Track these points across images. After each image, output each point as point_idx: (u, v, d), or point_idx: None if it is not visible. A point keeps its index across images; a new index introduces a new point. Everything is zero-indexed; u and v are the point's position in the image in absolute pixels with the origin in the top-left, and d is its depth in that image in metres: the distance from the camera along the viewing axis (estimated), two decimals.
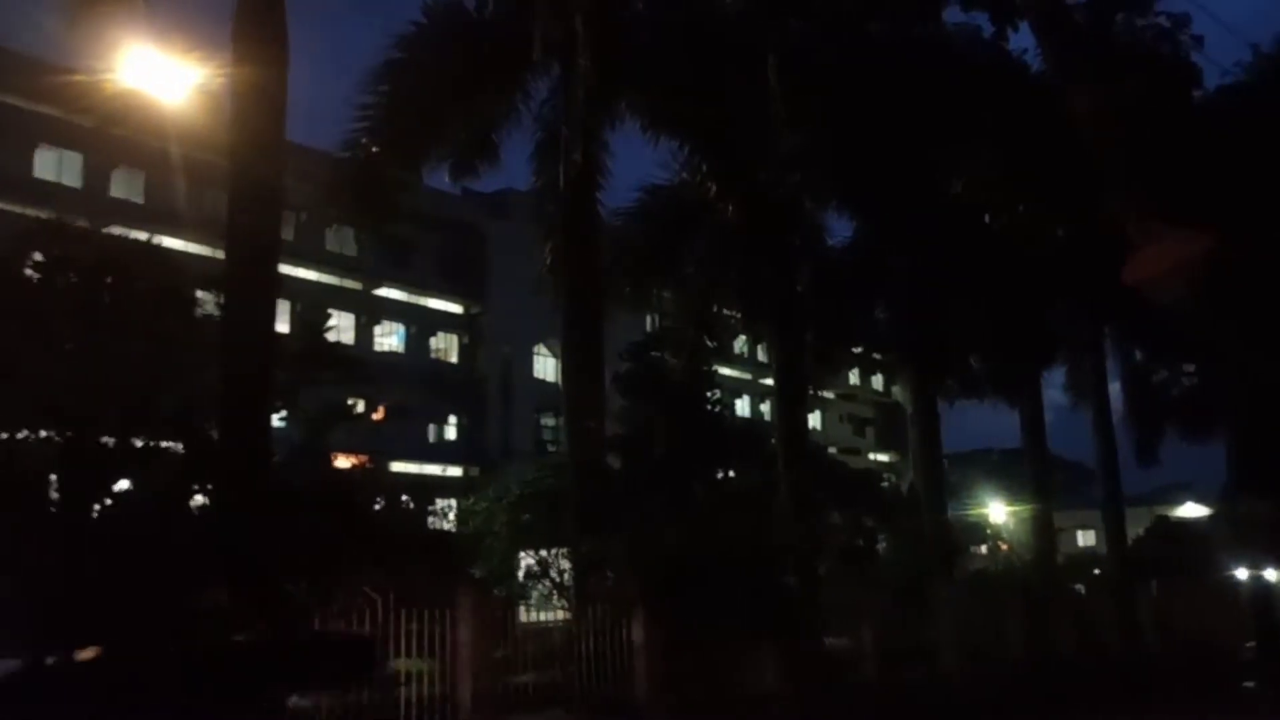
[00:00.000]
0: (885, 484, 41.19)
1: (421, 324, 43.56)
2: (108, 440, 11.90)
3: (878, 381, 58.16)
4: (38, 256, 12.49)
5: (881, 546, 29.72)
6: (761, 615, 13.05)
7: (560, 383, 16.91)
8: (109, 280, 12.45)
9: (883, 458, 60.39)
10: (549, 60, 15.69)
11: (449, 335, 44.75)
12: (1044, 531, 25.34)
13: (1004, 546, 43.24)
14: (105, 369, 11.69)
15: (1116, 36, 15.35)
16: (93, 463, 11.63)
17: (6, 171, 32.82)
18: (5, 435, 11.49)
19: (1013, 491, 41.35)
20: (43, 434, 11.57)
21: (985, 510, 46.39)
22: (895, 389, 50.35)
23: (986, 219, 16.52)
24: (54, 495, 11.43)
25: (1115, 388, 29.35)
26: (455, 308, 44.63)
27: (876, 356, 29.87)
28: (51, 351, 11.77)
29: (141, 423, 11.92)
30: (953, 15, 17.09)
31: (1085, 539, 49.68)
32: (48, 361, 11.55)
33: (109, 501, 11.62)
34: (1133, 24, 15.76)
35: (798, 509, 16.73)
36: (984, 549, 43.34)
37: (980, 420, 33.46)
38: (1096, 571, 33.30)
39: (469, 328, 44.61)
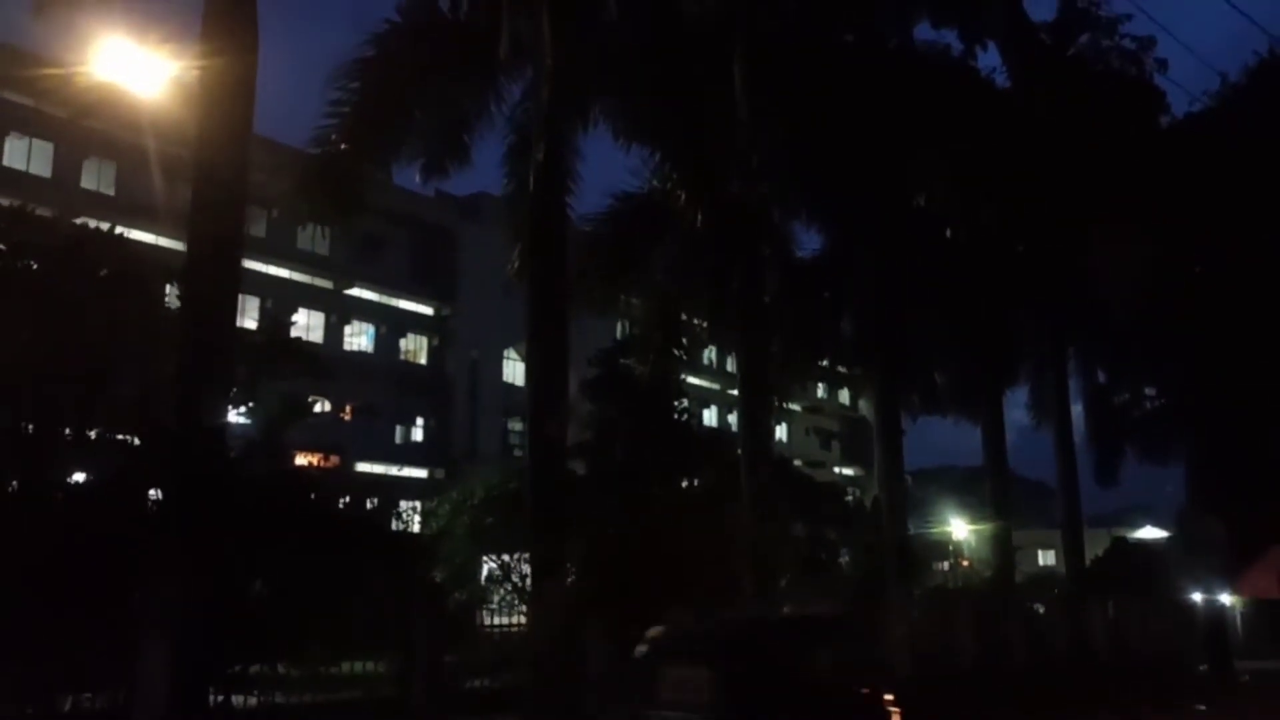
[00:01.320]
0: (849, 498, 41.39)
1: (391, 324, 43.36)
2: (64, 429, 11.81)
3: (845, 395, 58.44)
4: None
5: (844, 560, 29.88)
6: None
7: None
8: (69, 268, 12.35)
9: (848, 471, 60.64)
10: (521, 63, 15.72)
11: (419, 337, 44.56)
12: (1003, 549, 25.53)
13: (965, 563, 43.54)
14: (61, 356, 11.59)
15: (1082, 57, 15.58)
16: (48, 451, 11.53)
17: None
18: None
19: (974, 509, 41.67)
20: None
21: (947, 527, 46.71)
22: (862, 403, 50.63)
23: (949, 232, 16.69)
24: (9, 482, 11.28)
25: (1078, 409, 29.76)
26: (426, 309, 44.47)
27: (843, 370, 30.05)
28: (8, 337, 11.65)
29: (99, 411, 11.82)
30: (923, 33, 17.40)
31: (1045, 558, 50.10)
32: (4, 347, 11.44)
33: (63, 490, 11.51)
34: (1098, 44, 15.99)
35: (759, 516, 16.77)
36: (945, 565, 43.60)
37: (945, 437, 33.78)
38: (1055, 591, 33.61)
39: (439, 330, 44.45)
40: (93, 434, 11.92)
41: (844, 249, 18.47)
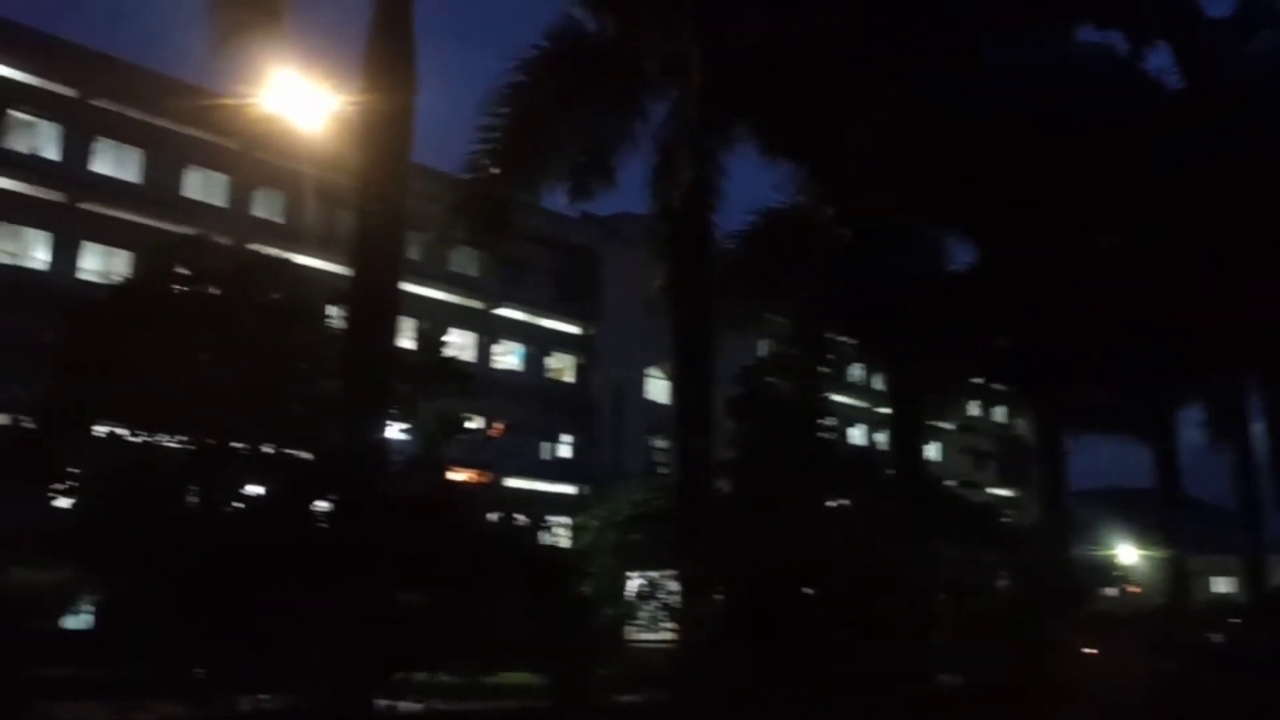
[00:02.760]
0: (1006, 519, 39.91)
1: (538, 343, 44.33)
2: (240, 446, 12.48)
3: (1000, 413, 56.52)
4: (180, 270, 13.19)
5: (1002, 584, 28.81)
6: (867, 648, 12.80)
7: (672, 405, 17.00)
8: (243, 293, 13.10)
9: (1004, 492, 58.49)
10: (666, 82, 15.85)
11: (565, 355, 45.40)
12: (1176, 575, 24.18)
13: (1133, 589, 41.52)
14: (238, 377, 12.28)
15: (1262, 55, 14.69)
16: (226, 467, 12.21)
17: (160, 190, 34.81)
18: (146, 438, 12.15)
19: (1143, 533, 39.63)
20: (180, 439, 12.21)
21: (1113, 551, 44.55)
22: (1019, 422, 48.85)
23: (1115, 243, 15.92)
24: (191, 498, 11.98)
25: (1259, 427, 27.91)
26: (572, 328, 45.28)
27: (998, 388, 29.04)
28: (189, 360, 12.41)
29: (270, 429, 12.45)
30: (1085, 34, 16.67)
31: (1222, 585, 47.21)
32: (185, 369, 12.18)
33: (239, 504, 12.17)
34: None
35: (911, 541, 16.34)
36: (1112, 591, 41.62)
37: (1112, 457, 32.29)
38: (1235, 620, 31.64)
39: (584, 348, 45.18)
40: (265, 450, 12.54)
41: (999, 262, 17.86)
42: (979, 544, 27.52)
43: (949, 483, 41.68)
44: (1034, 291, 16.59)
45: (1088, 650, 20.13)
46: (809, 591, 12.78)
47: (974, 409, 54.35)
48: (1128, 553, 44.07)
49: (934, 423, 32.43)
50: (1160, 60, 16.04)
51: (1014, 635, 18.88)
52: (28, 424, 11.90)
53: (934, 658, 16.66)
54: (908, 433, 18.36)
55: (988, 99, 13.54)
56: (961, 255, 19.77)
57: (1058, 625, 19.57)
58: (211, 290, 12.94)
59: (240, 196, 36.82)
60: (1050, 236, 15.75)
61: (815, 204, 16.97)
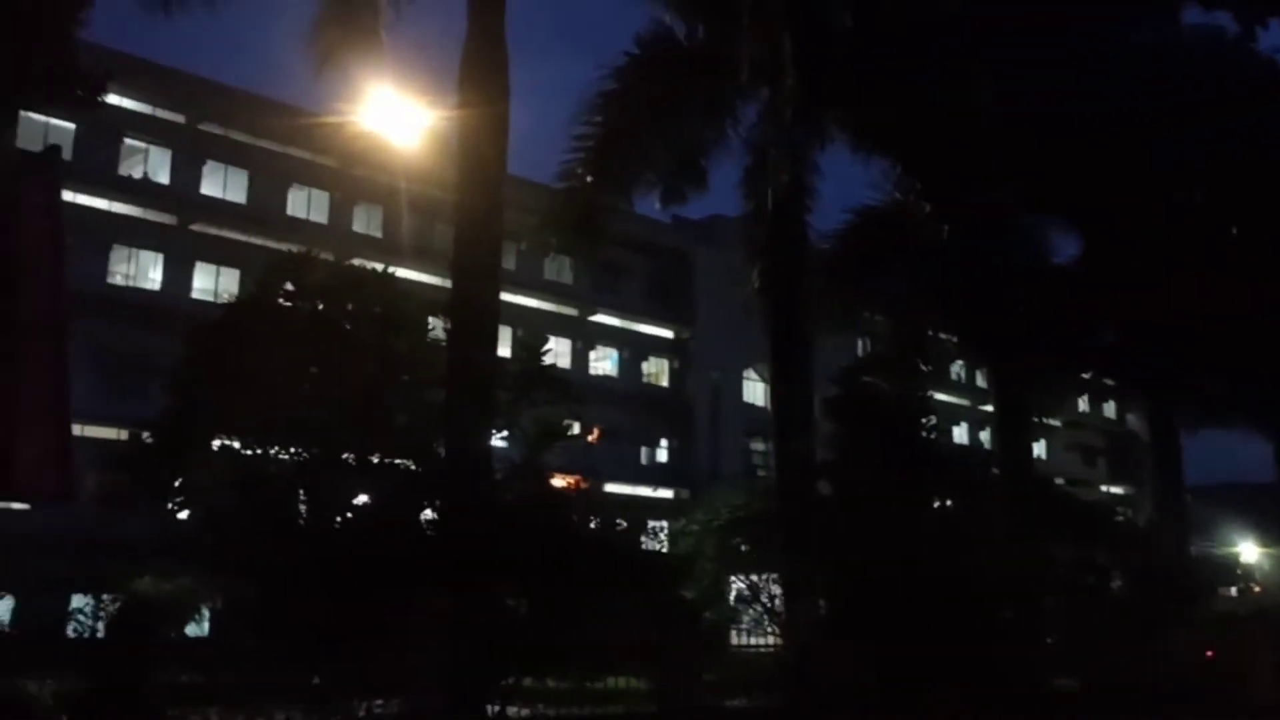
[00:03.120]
0: (1119, 518, 38.67)
1: (634, 349, 44.52)
2: (347, 455, 12.79)
3: (1110, 409, 54.83)
4: (288, 286, 13.59)
5: (1116, 585, 27.91)
6: (978, 651, 12.50)
7: (768, 407, 16.92)
8: (348, 306, 13.43)
9: (1116, 490, 56.67)
10: (757, 84, 15.79)
11: (660, 360, 45.52)
12: None
13: (1257, 588, 39.87)
14: (344, 389, 12.59)
15: None
16: (335, 476, 12.53)
17: (265, 209, 36.02)
18: (257, 450, 12.55)
19: (1265, 529, 38.04)
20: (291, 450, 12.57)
21: (1234, 548, 42.85)
22: (1130, 417, 47.31)
23: (1234, 231, 15.28)
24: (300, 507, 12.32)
25: None
26: (666, 333, 45.36)
27: (1108, 382, 28.13)
28: (297, 373, 12.77)
29: (377, 439, 12.74)
30: (1190, 16, 16.07)
31: None
32: (294, 382, 12.54)
33: (349, 513, 12.47)
34: None
35: (1021, 542, 15.92)
36: (1233, 590, 40.03)
37: (1229, 451, 31.08)
38: None
39: (679, 352, 45.22)
40: (372, 461, 12.82)
41: (1108, 252, 17.30)
42: (1091, 544, 26.70)
43: (1057, 481, 40.65)
44: (1146, 281, 16.03)
45: (1209, 651, 19.39)
46: (916, 594, 12.52)
47: (1082, 404, 52.90)
48: (1249, 550, 42.36)
49: (1040, 419, 31.59)
50: (1273, 39, 15.37)
51: (1131, 637, 18.29)
52: (149, 439, 12.38)
53: (1048, 661, 16.22)
54: (1014, 430, 17.91)
55: (1095, 85, 13.14)
56: (1065, 247, 19.25)
57: (1177, 626, 18.87)
58: (318, 306, 13.28)
59: (340, 212, 37.86)
60: (1163, 224, 15.20)
61: (912, 200, 16.69)
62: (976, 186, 15.80)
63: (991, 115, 13.83)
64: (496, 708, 10.93)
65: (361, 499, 12.50)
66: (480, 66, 12.43)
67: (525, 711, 11.48)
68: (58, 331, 6.21)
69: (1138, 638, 18.28)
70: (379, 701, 10.88)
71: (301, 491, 12.33)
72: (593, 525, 13.72)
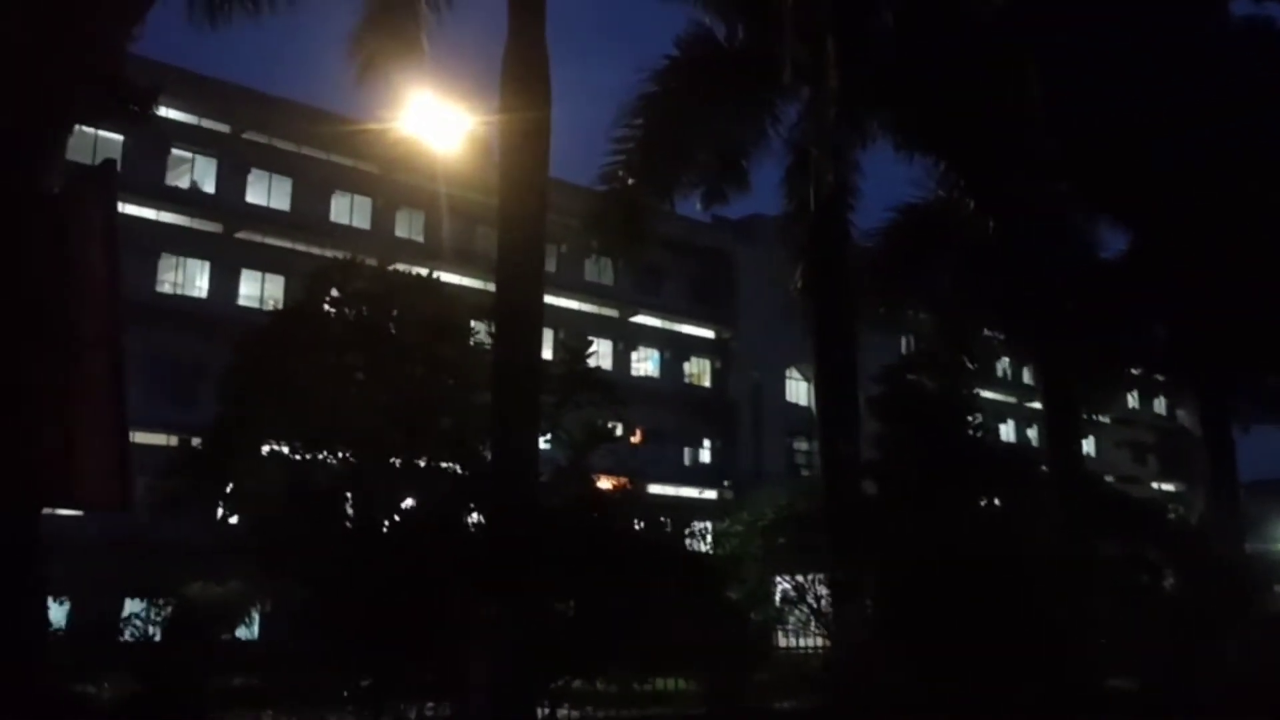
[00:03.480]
0: (1171, 515, 38.04)
1: (675, 349, 44.50)
2: (394, 460, 12.91)
3: (1160, 404, 53.95)
4: (333, 292, 13.74)
5: (1168, 583, 27.45)
6: (1029, 652, 12.35)
7: (812, 406, 16.86)
8: (393, 312, 13.56)
9: (1167, 487, 55.75)
10: (798, 83, 15.73)
11: (701, 360, 45.47)
12: None
13: None
14: (390, 394, 12.71)
15: None
16: (382, 481, 12.65)
17: (309, 216, 36.45)
18: (306, 456, 12.70)
19: None
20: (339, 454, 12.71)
21: None
22: (1180, 413, 46.52)
23: None
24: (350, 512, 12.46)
25: None
26: (707, 333, 45.30)
27: (1158, 378, 27.66)
28: (344, 378, 12.91)
29: (423, 443, 12.84)
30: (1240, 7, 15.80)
31: None
32: (341, 388, 12.68)
33: (396, 517, 12.59)
34: None
35: (1072, 540, 15.71)
36: None
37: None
38: None
39: (720, 352, 45.13)
40: (418, 464, 12.93)
41: (1159, 247, 17.04)
42: (1142, 541, 26.27)
43: (1106, 478, 40.05)
44: (1199, 275, 15.77)
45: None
46: (967, 594, 12.39)
47: (1131, 400, 52.12)
48: None
49: (1090, 416, 31.16)
50: None
51: (1187, 637, 17.97)
52: (199, 445, 12.58)
53: (1100, 661, 15.96)
54: (1063, 428, 17.67)
55: (1147, 77, 12.94)
56: (1113, 242, 19.00)
57: (1232, 625, 18.51)
58: (364, 311, 13.42)
59: (382, 218, 38.22)
60: (1218, 218, 14.94)
61: (956, 196, 16.52)
62: (1024, 182, 15.61)
63: (1042, 110, 13.66)
64: (546, 710, 10.97)
65: (409, 503, 12.61)
66: (521, 71, 12.45)
67: (575, 714, 11.51)
68: (115, 343, 6.28)
69: (1193, 638, 17.96)
70: (429, 704, 10.96)
71: (350, 496, 12.47)
72: (638, 527, 13.76)
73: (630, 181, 15.40)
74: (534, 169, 12.47)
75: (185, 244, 35.18)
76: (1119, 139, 13.83)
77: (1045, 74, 13.61)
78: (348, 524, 12.02)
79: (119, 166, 29.81)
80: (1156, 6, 13.75)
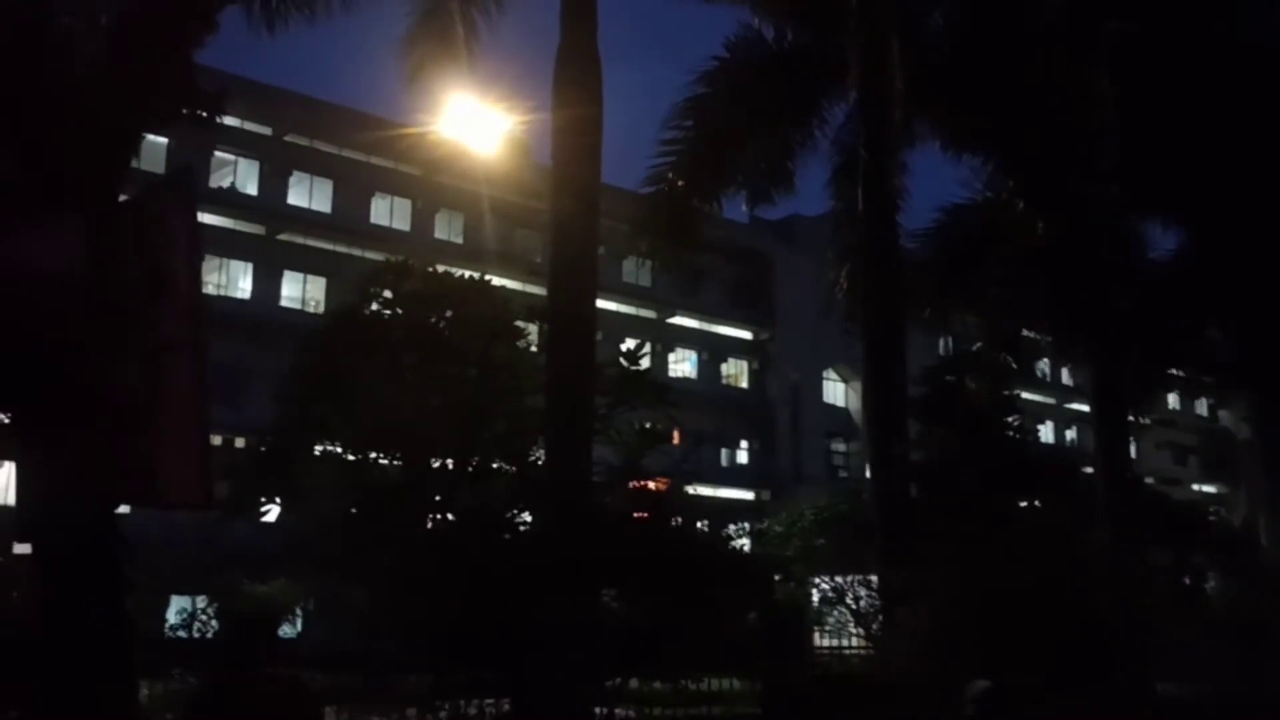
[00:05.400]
0: (1213, 517, 37.64)
1: (713, 350, 44.47)
2: (448, 461, 13.02)
3: (1201, 406, 53.33)
4: (386, 294, 13.87)
5: (1210, 585, 27.16)
6: (1090, 657, 12.28)
7: (849, 408, 16.84)
8: (446, 313, 13.67)
9: (1209, 489, 55.07)
10: (845, 85, 15.73)
11: (739, 361, 45.41)
12: None
13: None
14: (444, 395, 12.82)
15: None
16: (436, 481, 12.77)
17: (349, 218, 36.77)
18: (363, 457, 12.85)
19: None
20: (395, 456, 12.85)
21: None
22: (1223, 414, 45.97)
23: None
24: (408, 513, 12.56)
25: None
26: (745, 334, 45.24)
27: (1206, 380, 27.36)
28: (397, 380, 13.02)
29: (476, 445, 12.95)
30: None
31: None
32: (394, 389, 12.79)
33: (451, 517, 12.70)
34: None
35: (1122, 543, 15.59)
36: None
37: None
38: None
39: (758, 353, 45.05)
40: (473, 466, 13.03)
41: (1208, 248, 16.88)
42: (1187, 545, 26.00)
43: (1148, 480, 39.65)
44: (1254, 277, 15.61)
45: None
46: (1023, 598, 12.34)
47: (1172, 401, 51.56)
48: None
49: (1136, 418, 30.89)
50: None
51: (1236, 642, 17.76)
52: (263, 446, 12.76)
53: (1153, 667, 15.81)
54: (1112, 430, 17.53)
55: (1205, 79, 12.84)
56: (1163, 243, 18.84)
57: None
58: (418, 314, 13.54)
59: (422, 219, 38.47)
60: (1273, 217, 14.78)
61: (1005, 197, 16.45)
62: (1076, 183, 15.51)
63: (1100, 112, 13.57)
64: (603, 709, 11.04)
65: (466, 505, 12.71)
66: (573, 77, 12.52)
67: (631, 713, 11.57)
68: (197, 345, 6.44)
69: (1243, 643, 17.75)
70: (489, 701, 11.07)
71: (407, 498, 12.58)
72: (692, 528, 13.80)
73: (680, 184, 15.45)
74: (586, 175, 12.53)
75: (228, 245, 35.55)
76: (1178, 139, 13.72)
77: (1103, 73, 13.52)
78: (409, 525, 12.14)
79: (163, 169, 30.10)
80: (1214, 7, 13.62)
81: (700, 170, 15.56)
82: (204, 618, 15.32)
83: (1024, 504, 20.77)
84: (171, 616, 17.72)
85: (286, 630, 19.43)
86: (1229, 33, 13.46)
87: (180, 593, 19.11)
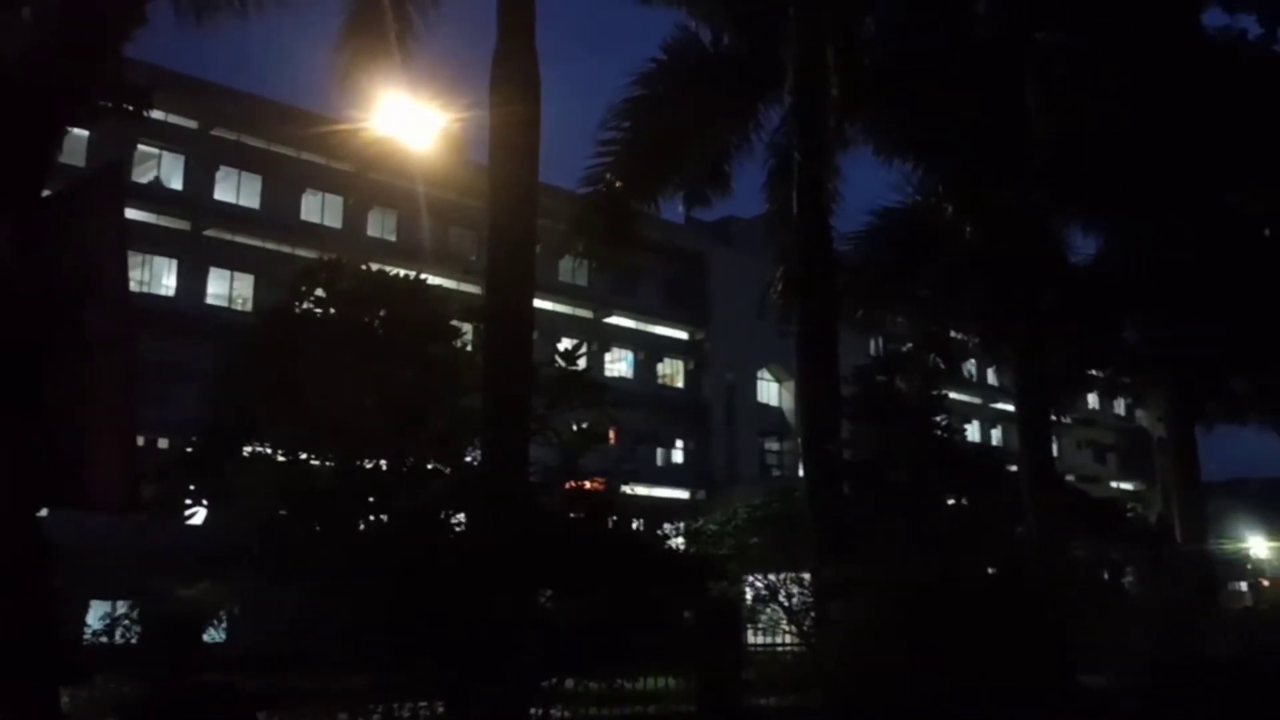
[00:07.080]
0: (1130, 514, 38.92)
1: (649, 350, 44.62)
2: (383, 462, 12.91)
3: (1119, 406, 54.98)
4: (319, 292, 13.69)
5: (1127, 580, 28.04)
6: (1017, 650, 12.59)
7: (783, 407, 17.08)
8: (381, 312, 13.54)
9: (1126, 486, 56.79)
10: (780, 89, 15.93)
11: (675, 361, 45.65)
12: None
13: (1265, 583, 40.11)
14: (378, 395, 12.70)
15: None
16: (370, 482, 12.64)
17: (279, 214, 36.16)
18: (292, 457, 12.68)
19: (1276, 524, 38.21)
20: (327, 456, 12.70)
21: (1244, 544, 43.02)
22: (1139, 414, 47.48)
23: (1268, 233, 15.38)
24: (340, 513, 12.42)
25: None
26: (681, 334, 45.47)
27: (1124, 380, 28.26)
28: (330, 380, 12.87)
29: (411, 445, 12.85)
30: (1213, 19, 16.15)
31: None
32: (327, 389, 12.64)
33: (384, 517, 12.58)
34: None
35: (1045, 538, 16.03)
36: (1243, 586, 40.29)
37: (1240, 448, 31.19)
38: None
39: (694, 353, 45.33)
40: (409, 466, 12.93)
41: (1131, 254, 17.44)
42: (1105, 539, 26.82)
43: (1069, 477, 40.76)
44: (1168, 278, 16.16)
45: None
46: (953, 592, 12.62)
47: (1092, 401, 53.08)
48: (1258, 545, 42.57)
49: (1057, 417, 31.75)
50: None
51: (1153, 632, 18.34)
52: (190, 447, 12.52)
53: (1075, 658, 16.27)
54: (1036, 429, 17.99)
55: (1126, 86, 13.25)
56: (1084, 247, 19.38)
57: (1196, 621, 18.93)
58: (350, 312, 13.40)
59: (354, 217, 38.00)
60: (1189, 223, 15.32)
61: (935, 201, 16.80)
62: (1003, 188, 15.90)
63: (1026, 119, 13.93)
64: (539, 710, 11.04)
65: (401, 505, 12.61)
66: (510, 75, 12.50)
67: (567, 713, 11.57)
68: (123, 344, 6.33)
69: (1160, 633, 18.34)
70: (422, 703, 10.99)
71: (339, 498, 12.44)
72: (626, 527, 13.85)
73: (617, 184, 15.52)
74: (524, 168, 12.52)
75: (151, 241, 34.70)
76: (1102, 147, 14.14)
77: (1030, 80, 13.88)
78: (342, 525, 12.00)
79: (83, 162, 29.36)
80: (1132, 14, 14.04)
81: (638, 171, 15.65)
82: (127, 622, 14.94)
83: (952, 500, 21.31)
84: (93, 621, 17.29)
85: (212, 634, 19.05)
86: (1148, 45, 13.91)
87: (102, 597, 18.63)
